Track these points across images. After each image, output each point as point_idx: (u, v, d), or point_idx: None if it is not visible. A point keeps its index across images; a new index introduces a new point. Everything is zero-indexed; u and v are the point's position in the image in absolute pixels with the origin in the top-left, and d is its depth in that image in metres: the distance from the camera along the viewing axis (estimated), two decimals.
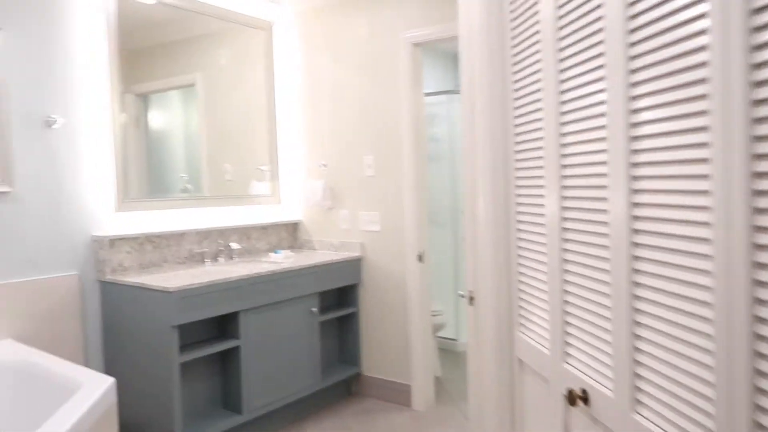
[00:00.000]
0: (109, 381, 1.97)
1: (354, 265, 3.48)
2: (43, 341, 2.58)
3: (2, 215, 2.48)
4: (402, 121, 3.28)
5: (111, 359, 2.79)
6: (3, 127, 2.45)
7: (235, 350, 2.81)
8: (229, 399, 2.87)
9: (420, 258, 3.29)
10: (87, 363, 2.76)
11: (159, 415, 2.58)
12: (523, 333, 1.69)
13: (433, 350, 3.67)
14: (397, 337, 3.41)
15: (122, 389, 2.75)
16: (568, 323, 1.38)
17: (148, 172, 3.09)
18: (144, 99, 3.11)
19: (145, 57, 3.07)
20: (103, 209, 2.83)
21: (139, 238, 2.93)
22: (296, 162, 3.84)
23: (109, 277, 2.75)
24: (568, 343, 1.39)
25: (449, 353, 4.41)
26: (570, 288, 1.36)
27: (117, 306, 2.73)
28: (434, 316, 3.76)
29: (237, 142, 3.55)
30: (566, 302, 1.38)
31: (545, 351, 1.51)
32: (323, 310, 3.38)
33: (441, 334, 4.38)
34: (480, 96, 1.81)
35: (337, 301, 3.61)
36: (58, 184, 2.66)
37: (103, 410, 1.90)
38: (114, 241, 2.81)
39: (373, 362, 3.52)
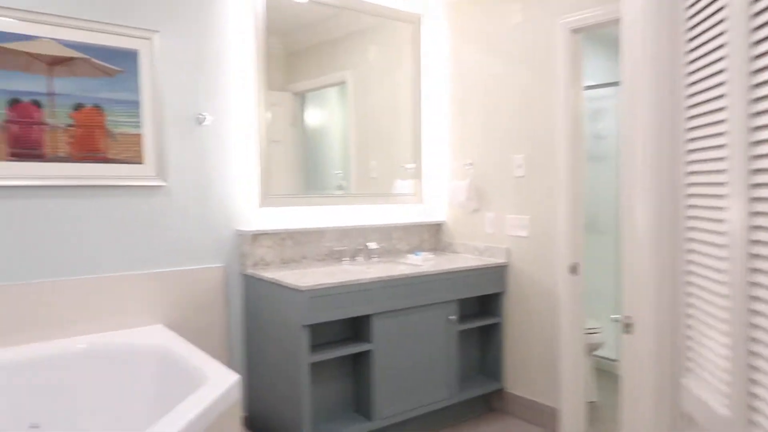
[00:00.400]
0: (233, 378, 1.96)
1: (498, 272, 3.21)
2: (191, 329, 2.72)
3: (157, 208, 2.64)
4: (557, 116, 2.93)
5: (251, 351, 2.86)
6: (159, 125, 2.61)
7: (367, 354, 2.71)
8: (360, 404, 2.79)
9: (573, 269, 2.92)
10: (230, 353, 2.86)
11: (289, 413, 2.57)
12: (692, 381, 1.33)
13: (586, 372, 3.27)
14: (545, 354, 3.08)
15: (256, 383, 2.80)
16: (754, 381, 1.03)
17: (303, 168, 3.15)
18: (301, 97, 3.16)
19: (301, 57, 3.13)
20: (248, 204, 2.91)
21: (280, 233, 2.96)
22: (441, 160, 3.66)
23: (250, 271, 2.81)
24: (753, 409, 1.03)
25: (608, 375, 3.93)
26: (759, 333, 1.01)
27: (256, 300, 2.78)
28: (590, 333, 3.36)
29: (383, 139, 3.48)
30: (753, 353, 1.03)
31: (722, 411, 1.16)
32: (463, 318, 3.17)
33: (599, 353, 3.93)
34: (644, 84, 1.48)
35: (479, 310, 3.37)
36: (206, 180, 2.78)
37: (226, 407, 1.90)
38: (256, 236, 2.88)
39: (518, 379, 3.23)
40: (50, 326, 2.37)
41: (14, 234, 2.30)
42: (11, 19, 2.25)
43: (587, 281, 3.29)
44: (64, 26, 2.36)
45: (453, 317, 2.99)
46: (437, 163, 3.67)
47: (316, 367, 2.66)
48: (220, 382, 1.94)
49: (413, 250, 3.51)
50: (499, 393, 3.31)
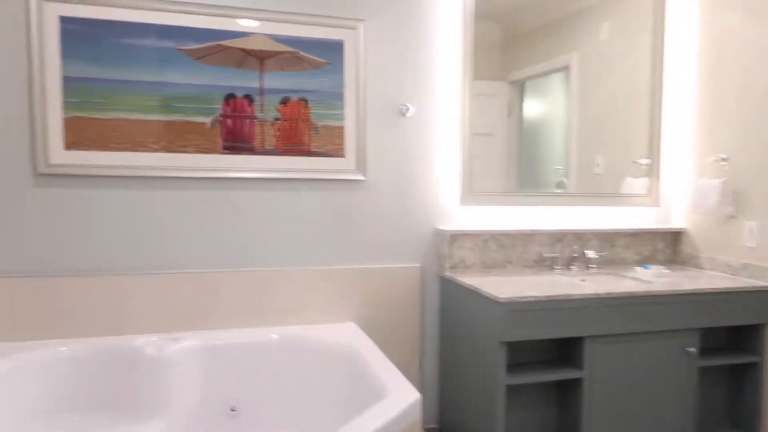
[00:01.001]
0: (414, 397, 1.77)
1: (760, 298, 2.50)
2: (383, 330, 2.60)
3: (356, 202, 2.57)
4: None
5: (445, 360, 2.65)
6: (361, 116, 2.52)
7: (577, 383, 2.31)
8: None
9: None
10: (422, 360, 2.69)
11: None
12: None
13: None
14: None
15: (449, 394, 2.59)
16: None
17: (516, 164, 2.86)
18: (519, 86, 2.87)
19: (520, 42, 2.83)
20: (449, 202, 2.70)
21: (482, 235, 2.69)
22: (684, 154, 3.01)
23: (448, 274, 2.60)
24: None
25: None
26: None
27: (452, 305, 2.56)
28: None
29: (612, 130, 2.98)
30: None
31: None
32: (706, 352, 2.54)
33: None
34: None
35: (730, 344, 2.68)
36: (406, 174, 2.63)
37: (404, 426, 1.71)
38: (456, 237, 2.65)
39: None
40: (247, 314, 2.44)
41: (223, 223, 2.42)
42: (230, 18, 2.35)
43: None
44: (276, 21, 2.40)
45: (692, 350, 2.41)
46: (679, 158, 3.03)
47: (513, 389, 2.35)
48: (400, 398, 1.76)
49: (642, 262, 2.95)
50: None
